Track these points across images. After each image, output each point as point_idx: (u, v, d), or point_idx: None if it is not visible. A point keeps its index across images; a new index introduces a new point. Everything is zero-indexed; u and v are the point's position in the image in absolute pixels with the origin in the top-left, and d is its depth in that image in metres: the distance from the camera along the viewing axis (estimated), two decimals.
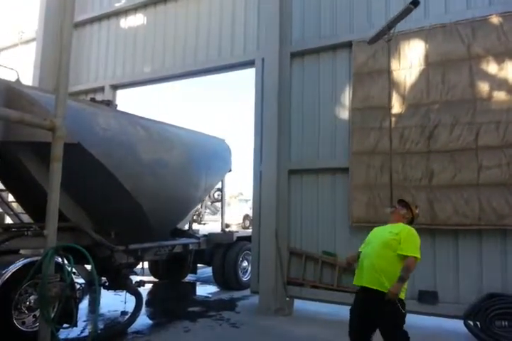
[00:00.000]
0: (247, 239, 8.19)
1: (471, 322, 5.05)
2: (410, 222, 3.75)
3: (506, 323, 4.86)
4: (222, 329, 5.41)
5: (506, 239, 5.22)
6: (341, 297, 5.98)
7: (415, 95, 5.78)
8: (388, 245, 3.46)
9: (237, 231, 8.66)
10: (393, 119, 5.85)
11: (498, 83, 5.32)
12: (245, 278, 8.24)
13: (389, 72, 5.51)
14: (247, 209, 21.44)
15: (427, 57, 5.79)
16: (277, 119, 6.67)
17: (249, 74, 7.40)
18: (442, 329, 5.43)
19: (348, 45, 6.43)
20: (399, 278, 3.30)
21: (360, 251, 3.73)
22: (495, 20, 5.41)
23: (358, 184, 6.02)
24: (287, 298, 6.45)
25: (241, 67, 7.66)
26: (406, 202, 3.84)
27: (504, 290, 5.12)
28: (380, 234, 3.66)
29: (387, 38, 5.03)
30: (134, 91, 9.71)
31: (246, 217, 20.69)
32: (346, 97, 6.43)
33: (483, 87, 5.39)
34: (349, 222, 6.09)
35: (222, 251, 8.11)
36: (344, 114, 6.42)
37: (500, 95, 5.29)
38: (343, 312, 6.00)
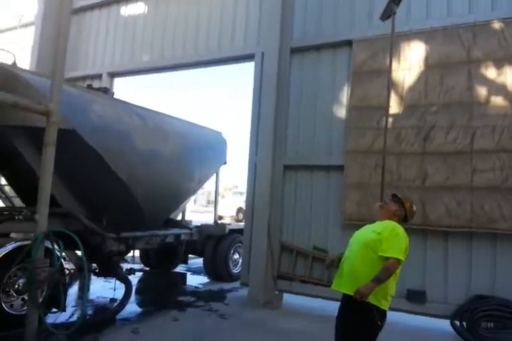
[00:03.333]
0: (239, 231, 8.25)
1: (458, 323, 5.13)
2: (404, 221, 3.27)
3: (491, 325, 4.94)
4: (211, 320, 5.46)
5: (496, 242, 5.28)
6: (330, 292, 5.98)
7: (413, 96, 5.79)
8: (369, 246, 3.02)
9: (229, 224, 8.71)
10: (390, 119, 5.86)
11: (496, 88, 5.35)
12: (236, 270, 8.29)
13: (390, 71, 5.35)
14: (241, 202, 21.53)
15: (426, 58, 5.80)
16: (274, 114, 6.66)
17: (250, 68, 7.39)
18: (429, 328, 5.49)
19: (349, 43, 6.42)
20: (374, 278, 2.86)
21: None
22: (496, 25, 5.43)
23: (351, 182, 6.05)
24: (276, 292, 6.51)
25: (241, 61, 7.66)
26: (398, 197, 3.33)
27: (491, 292, 5.19)
28: (363, 233, 3.24)
29: (393, 12, 4.86)
30: (132, 80, 9.67)
31: (240, 209, 20.77)
32: (344, 95, 6.44)
33: (481, 91, 5.42)
34: (341, 219, 6.14)
35: (213, 242, 8.14)
36: (341, 112, 6.43)
37: (497, 100, 5.33)
38: (332, 307, 6.16)
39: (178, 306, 6.05)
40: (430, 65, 5.76)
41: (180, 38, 8.29)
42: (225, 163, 8.37)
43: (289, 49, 6.83)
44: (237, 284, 7.60)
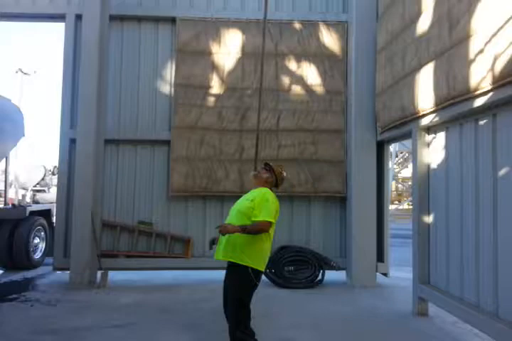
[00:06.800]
0: (40, 213, 7.46)
1: (268, 270, 6.25)
2: (276, 186, 3.55)
3: (292, 268, 6.26)
4: (39, 310, 4.94)
5: (293, 202, 6.65)
6: (156, 263, 6.34)
7: (232, 80, 6.48)
8: (244, 213, 3.23)
9: (30, 205, 7.68)
10: (213, 99, 6.43)
11: (296, 78, 6.57)
12: (37, 256, 7.47)
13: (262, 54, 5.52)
14: None
15: (243, 47, 6.54)
16: (97, 85, 6.20)
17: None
18: None
19: (172, 20, 6.56)
20: (243, 226, 3.09)
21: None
22: (297, 25, 6.60)
23: (178, 156, 6.37)
24: (101, 271, 6.31)
25: (47, 20, 6.68)
26: (270, 165, 3.56)
27: (290, 242, 6.53)
28: (239, 203, 3.40)
29: None
30: None
31: None
32: (168, 72, 6.59)
33: (285, 80, 6.56)
34: (168, 191, 6.41)
35: (9, 228, 7.05)
36: (165, 88, 6.58)
37: (296, 88, 6.56)
38: (156, 277, 6.44)
39: None
40: (246, 53, 6.53)
41: None
42: (24, 135, 7.29)
43: (107, 15, 6.42)
44: (41, 271, 7.03)
